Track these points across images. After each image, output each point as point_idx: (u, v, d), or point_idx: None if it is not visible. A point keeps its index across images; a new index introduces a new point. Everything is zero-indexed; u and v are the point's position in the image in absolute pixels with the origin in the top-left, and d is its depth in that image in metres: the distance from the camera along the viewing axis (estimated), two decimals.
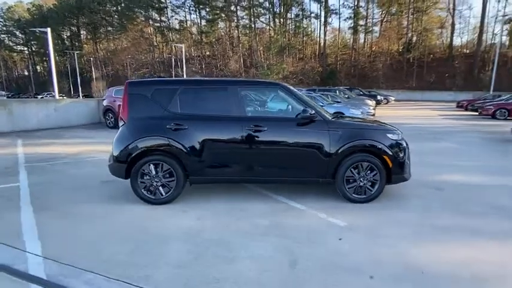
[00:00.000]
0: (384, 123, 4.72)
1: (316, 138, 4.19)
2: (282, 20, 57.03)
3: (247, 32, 60.50)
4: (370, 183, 4.26)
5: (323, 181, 4.31)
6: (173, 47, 61.29)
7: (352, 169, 4.23)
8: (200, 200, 4.36)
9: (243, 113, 4.24)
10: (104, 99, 13.16)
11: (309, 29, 56.64)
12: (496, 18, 42.12)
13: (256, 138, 4.15)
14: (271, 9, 58.19)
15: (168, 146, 4.11)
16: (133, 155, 4.11)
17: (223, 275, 2.65)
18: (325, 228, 3.55)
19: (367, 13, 51.28)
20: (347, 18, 52.99)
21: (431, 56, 45.59)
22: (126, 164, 4.15)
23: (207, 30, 63.57)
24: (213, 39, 62.23)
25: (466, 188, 5.04)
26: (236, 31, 61.80)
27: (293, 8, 57.01)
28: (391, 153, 4.25)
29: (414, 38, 47.32)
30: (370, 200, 4.29)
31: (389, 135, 4.32)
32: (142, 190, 4.18)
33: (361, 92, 28.54)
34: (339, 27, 53.70)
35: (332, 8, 53.79)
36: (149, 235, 3.36)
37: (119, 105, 12.78)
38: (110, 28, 69.91)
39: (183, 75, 41.86)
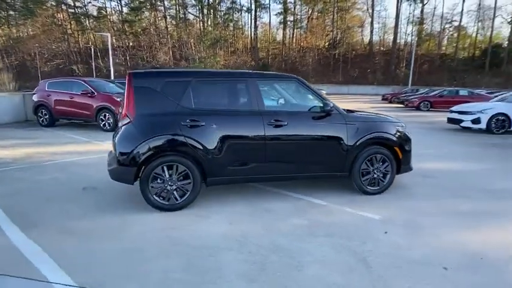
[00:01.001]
0: (386, 115, 4.89)
1: (336, 131, 4.16)
2: (213, 11, 56.02)
3: (176, 22, 58.09)
4: (382, 175, 4.40)
5: (340, 175, 4.31)
6: (92, 36, 55.90)
7: (366, 161, 4.31)
8: (213, 203, 4.00)
9: (262, 107, 3.99)
10: (34, 94, 11.38)
11: (240, 23, 56.77)
12: (408, 20, 47.60)
13: (277, 134, 3.95)
14: (201, 1, 56.66)
15: (184, 145, 3.67)
16: (144, 156, 3.58)
17: (305, 283, 2.45)
18: (364, 223, 3.53)
19: (294, 9, 53.23)
20: (278, 13, 54.40)
21: (354, 52, 49.50)
22: (136, 167, 3.60)
23: (132, 19, 59.25)
24: (139, 29, 58.31)
25: (451, 174, 5.53)
26: (164, 21, 58.85)
27: (224, 0, 56.44)
28: (401, 145, 4.43)
29: (339, 36, 50.79)
30: (383, 191, 4.43)
31: (398, 127, 4.51)
32: (154, 196, 3.68)
33: None
34: (270, 22, 54.94)
35: (263, 2, 54.62)
36: (189, 246, 2.96)
37: (56, 100, 11.29)
38: (12, 12, 60.53)
39: (107, 68, 38.30)
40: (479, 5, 42.94)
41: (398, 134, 4.46)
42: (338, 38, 49.94)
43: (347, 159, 4.22)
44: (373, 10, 48.80)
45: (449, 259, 2.80)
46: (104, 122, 10.13)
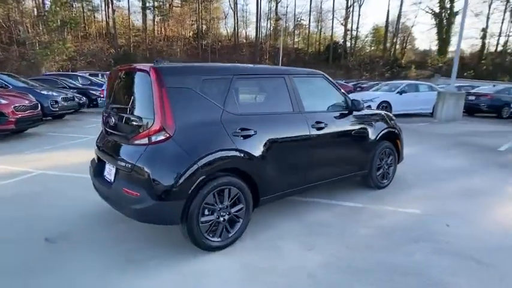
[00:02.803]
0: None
1: (362, 129, 4.08)
2: None
3: None
4: (387, 168, 4.55)
5: (363, 173, 4.23)
6: None
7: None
8: (254, 228, 3.31)
9: (302, 107, 3.48)
10: None
11: (92, 4, 49.12)
12: (268, 16, 51.47)
13: (320, 136, 3.54)
14: None
15: (239, 160, 2.87)
16: (196, 183, 2.61)
17: None
18: (419, 220, 3.57)
19: None
20: None
21: (220, 43, 50.27)
22: (185, 200, 2.59)
23: None
24: None
25: (407, 159, 6.21)
26: None
27: None
28: (400, 137, 4.68)
29: (204, 26, 50.47)
30: (389, 183, 4.61)
31: (394, 120, 4.73)
32: (205, 234, 2.75)
33: None
34: (129, 6, 49.54)
35: None
36: None
37: None
38: None
39: None
40: (321, 7, 50.66)
41: (397, 126, 4.68)
42: (204, 29, 49.66)
43: (368, 157, 4.19)
44: (236, 4, 50.72)
45: None
46: None
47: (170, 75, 2.67)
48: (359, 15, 48.92)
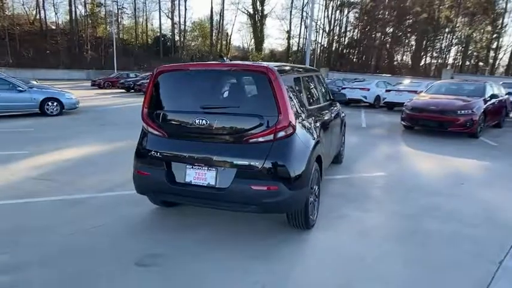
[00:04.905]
0: None
1: (341, 116, 5.09)
2: None
3: None
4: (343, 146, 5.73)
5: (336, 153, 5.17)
6: None
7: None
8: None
9: (321, 99, 4.13)
10: None
11: None
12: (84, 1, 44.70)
13: (332, 124, 4.31)
14: None
15: (320, 147, 3.33)
16: (312, 170, 3.01)
17: None
18: (390, 179, 4.88)
19: None
20: None
21: (19, 27, 40.19)
22: (308, 187, 2.92)
23: None
24: None
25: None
26: None
27: None
28: None
29: None
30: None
31: None
32: (311, 216, 3.10)
33: None
34: None
35: None
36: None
37: None
38: None
39: None
40: None
41: None
42: None
43: (340, 140, 5.20)
44: None
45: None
46: None
47: (282, 74, 2.82)
48: (185, 9, 49.76)
